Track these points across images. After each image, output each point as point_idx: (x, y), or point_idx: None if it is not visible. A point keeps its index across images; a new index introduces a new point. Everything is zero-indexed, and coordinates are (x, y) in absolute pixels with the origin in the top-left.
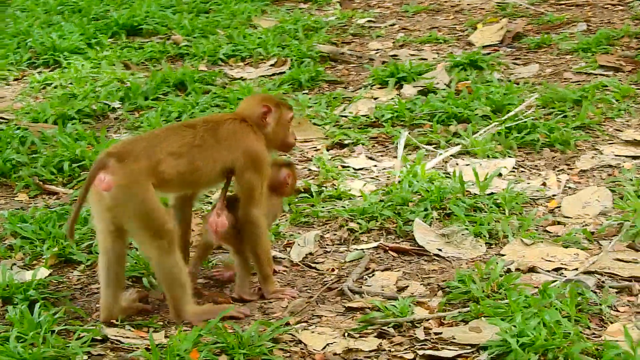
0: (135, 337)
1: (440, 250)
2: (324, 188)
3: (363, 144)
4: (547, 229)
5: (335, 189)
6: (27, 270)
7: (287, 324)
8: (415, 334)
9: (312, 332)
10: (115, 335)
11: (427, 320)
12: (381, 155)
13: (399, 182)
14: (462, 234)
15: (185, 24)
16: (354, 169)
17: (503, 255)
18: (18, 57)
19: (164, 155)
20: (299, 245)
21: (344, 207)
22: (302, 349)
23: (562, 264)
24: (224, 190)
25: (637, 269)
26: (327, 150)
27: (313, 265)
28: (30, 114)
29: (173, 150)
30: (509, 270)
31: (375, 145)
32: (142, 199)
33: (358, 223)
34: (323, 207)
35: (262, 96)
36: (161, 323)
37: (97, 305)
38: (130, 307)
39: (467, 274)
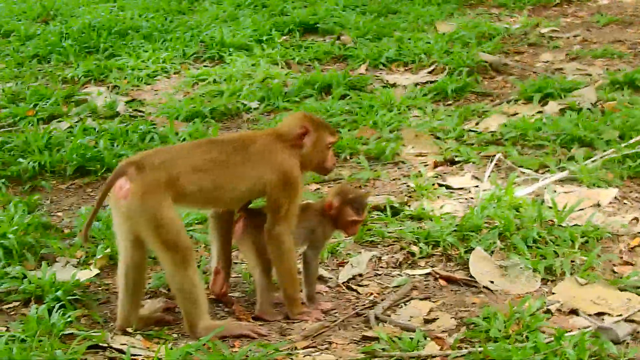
0: (141, 348)
1: (492, 282)
2: (406, 207)
3: (474, 162)
4: (615, 268)
5: (422, 209)
6: (79, 269)
7: (295, 348)
8: None
9: (313, 358)
10: (121, 344)
11: (433, 357)
12: (489, 176)
13: (476, 206)
14: (520, 267)
15: (359, 25)
16: (452, 188)
17: (553, 293)
18: (188, 51)
19: (185, 169)
20: (351, 265)
21: (413, 229)
22: None
23: (609, 308)
24: None
25: None
26: (435, 166)
27: (355, 287)
28: (167, 110)
29: (196, 165)
30: (548, 311)
31: (488, 164)
32: (156, 210)
33: (420, 247)
34: (390, 228)
35: (304, 116)
36: (175, 335)
37: None
38: (149, 317)
39: (495, 311)
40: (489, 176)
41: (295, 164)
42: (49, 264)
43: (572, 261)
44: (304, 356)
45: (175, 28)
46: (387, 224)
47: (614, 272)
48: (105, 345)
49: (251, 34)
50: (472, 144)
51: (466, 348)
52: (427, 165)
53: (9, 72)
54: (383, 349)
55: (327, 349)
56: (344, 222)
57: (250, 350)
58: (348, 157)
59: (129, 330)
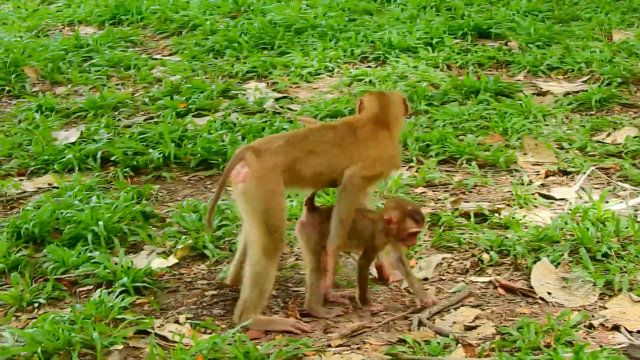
0: (187, 337)
1: (549, 294)
2: (495, 215)
3: (585, 174)
4: None
5: (512, 217)
6: (163, 258)
7: (329, 345)
8: None
9: (341, 357)
10: (169, 332)
11: None
12: (596, 188)
13: (559, 218)
14: (582, 281)
15: (531, 31)
16: (554, 198)
17: (605, 308)
18: (357, 51)
19: (301, 154)
20: (420, 268)
21: (490, 237)
22: None
23: None
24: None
25: None
26: (547, 176)
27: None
28: (309, 109)
29: (311, 149)
30: (590, 325)
31: (601, 176)
32: (270, 194)
33: (490, 255)
34: (470, 234)
35: (396, 93)
36: (223, 326)
37: (188, 301)
38: None
39: (529, 322)
40: (580, 188)
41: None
42: (135, 252)
43: (634, 278)
44: (333, 354)
45: (352, 28)
46: (469, 231)
47: None
48: (151, 331)
49: (422, 36)
50: (594, 156)
51: (494, 356)
52: (539, 174)
53: (181, 65)
54: (404, 352)
55: (359, 348)
56: (405, 234)
57: (276, 345)
58: (464, 163)
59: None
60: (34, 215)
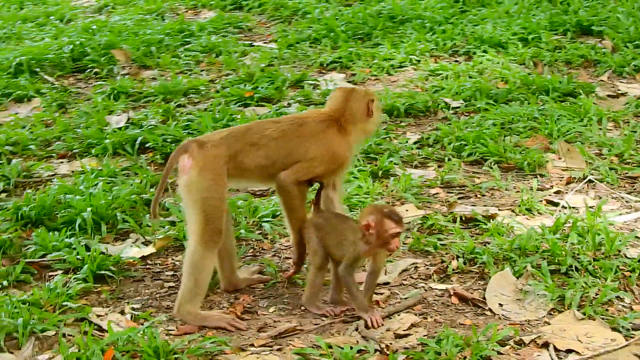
0: (122, 327)
1: (500, 306)
2: (489, 221)
3: (608, 182)
4: (635, 307)
5: (502, 225)
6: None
7: (252, 345)
8: None
9: (257, 357)
10: (112, 321)
11: None
12: (612, 197)
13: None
14: (537, 294)
15: (631, 30)
16: (562, 206)
17: (549, 324)
18: (448, 44)
19: (243, 146)
20: (385, 272)
21: (465, 243)
22: None
23: (585, 347)
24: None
25: None
26: (568, 183)
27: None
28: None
29: (253, 141)
30: (521, 341)
31: (622, 186)
32: (211, 184)
33: (462, 262)
34: (447, 240)
35: (361, 90)
36: (164, 318)
37: (146, 291)
38: (249, 278)
39: (449, 334)
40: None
41: (347, 143)
42: (124, 240)
43: (585, 294)
44: (250, 354)
45: (453, 21)
46: (451, 236)
47: (632, 309)
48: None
49: (518, 31)
50: (630, 163)
51: None
52: (562, 180)
53: (278, 53)
54: (311, 353)
55: (279, 349)
56: (385, 237)
57: (192, 341)
58: (492, 165)
59: (124, 310)
60: (35, 199)
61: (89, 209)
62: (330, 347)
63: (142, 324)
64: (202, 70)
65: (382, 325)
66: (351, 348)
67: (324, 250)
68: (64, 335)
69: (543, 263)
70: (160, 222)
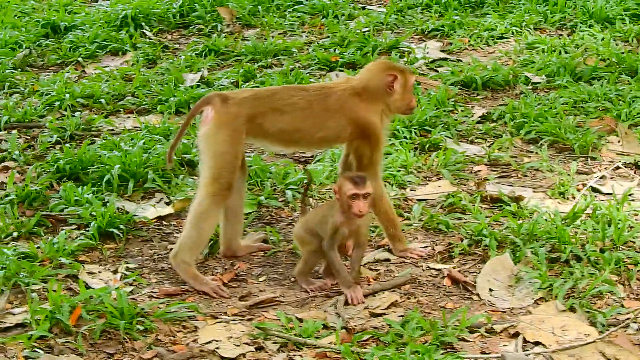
0: (105, 285)
1: (490, 291)
2: (514, 203)
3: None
4: (627, 302)
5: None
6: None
7: (225, 313)
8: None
9: (225, 325)
10: (100, 280)
11: (316, 347)
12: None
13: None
14: (530, 282)
15: None
16: (600, 192)
17: (531, 313)
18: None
19: (266, 109)
20: (387, 248)
21: (477, 224)
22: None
23: (554, 340)
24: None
25: None
26: (618, 168)
27: (369, 269)
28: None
29: (277, 106)
30: (491, 330)
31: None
32: (227, 140)
33: (467, 244)
34: (460, 220)
35: (386, 64)
36: (155, 280)
37: (149, 252)
38: (250, 245)
39: (414, 317)
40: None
41: (375, 114)
42: (149, 199)
43: (575, 285)
44: (218, 322)
45: None
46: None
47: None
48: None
49: (632, 6)
50: None
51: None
52: (612, 164)
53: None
54: (270, 327)
55: (249, 320)
56: (347, 201)
57: (163, 304)
58: (543, 144)
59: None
60: (75, 153)
61: (117, 165)
62: (301, 320)
63: (132, 284)
64: (303, 32)
65: (363, 302)
66: (314, 322)
67: (312, 234)
68: (47, 290)
69: (541, 250)
70: (174, 167)
